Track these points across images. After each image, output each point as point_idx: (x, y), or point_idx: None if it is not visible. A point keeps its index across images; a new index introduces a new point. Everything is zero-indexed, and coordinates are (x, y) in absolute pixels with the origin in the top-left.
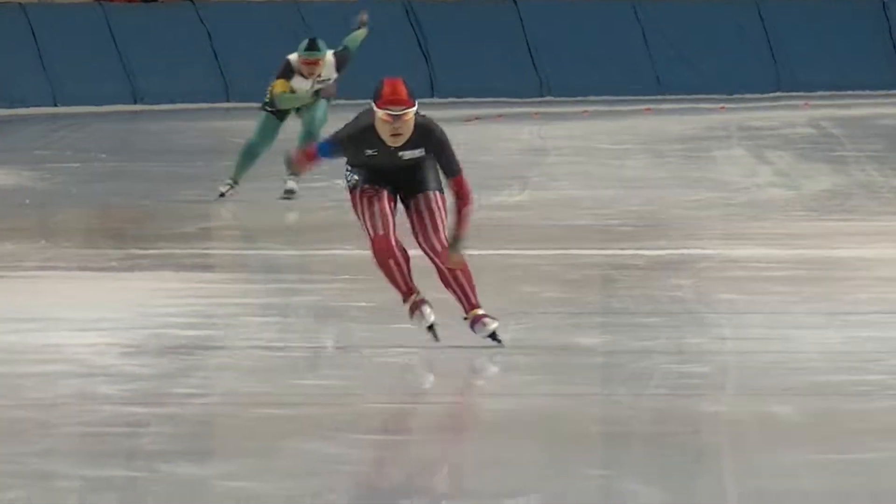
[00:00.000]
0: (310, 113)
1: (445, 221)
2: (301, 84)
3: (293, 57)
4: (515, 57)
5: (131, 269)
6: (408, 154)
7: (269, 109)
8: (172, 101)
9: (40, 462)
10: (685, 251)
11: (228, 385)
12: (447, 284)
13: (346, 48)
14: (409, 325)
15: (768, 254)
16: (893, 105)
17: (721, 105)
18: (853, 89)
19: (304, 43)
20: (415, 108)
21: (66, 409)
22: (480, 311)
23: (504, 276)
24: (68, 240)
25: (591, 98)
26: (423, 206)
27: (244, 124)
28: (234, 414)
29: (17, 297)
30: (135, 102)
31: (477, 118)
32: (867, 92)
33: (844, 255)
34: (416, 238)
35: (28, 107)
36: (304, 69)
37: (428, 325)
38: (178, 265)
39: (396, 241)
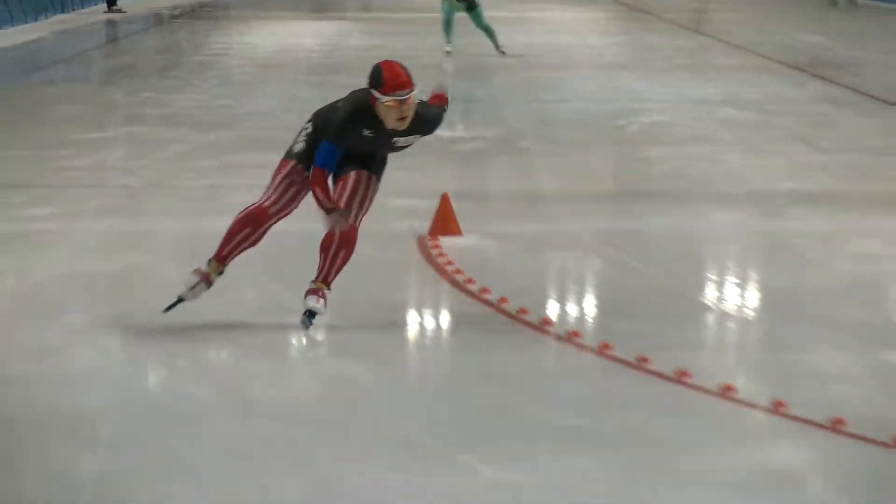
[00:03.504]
0: (475, 20)
1: (365, 205)
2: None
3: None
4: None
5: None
6: (401, 141)
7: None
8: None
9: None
10: None
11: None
12: (323, 248)
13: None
14: (420, 174)
15: None
16: None
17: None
18: None
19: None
20: (416, 90)
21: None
22: (324, 290)
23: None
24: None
25: None
26: (355, 181)
27: None
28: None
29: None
30: None
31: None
32: None
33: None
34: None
35: None
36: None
37: (179, 299)
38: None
39: (268, 226)
